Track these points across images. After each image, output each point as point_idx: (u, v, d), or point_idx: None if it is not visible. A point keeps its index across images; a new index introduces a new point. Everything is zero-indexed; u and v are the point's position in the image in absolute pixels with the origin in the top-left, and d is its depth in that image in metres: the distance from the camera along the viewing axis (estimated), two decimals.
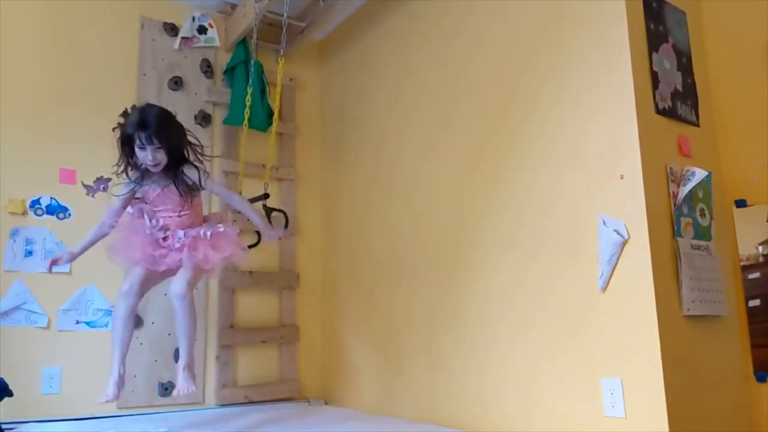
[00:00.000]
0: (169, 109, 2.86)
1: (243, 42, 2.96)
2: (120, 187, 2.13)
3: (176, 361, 2.67)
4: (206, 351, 2.79)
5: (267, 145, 2.79)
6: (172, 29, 2.96)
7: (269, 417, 2.48)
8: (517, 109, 2.15)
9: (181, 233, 2.09)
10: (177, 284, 2.05)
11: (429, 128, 2.55)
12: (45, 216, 2.57)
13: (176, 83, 2.92)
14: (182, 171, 2.11)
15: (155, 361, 2.66)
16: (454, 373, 2.30)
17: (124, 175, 2.10)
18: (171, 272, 2.11)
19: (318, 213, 3.23)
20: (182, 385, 2.05)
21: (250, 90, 2.69)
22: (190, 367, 2.09)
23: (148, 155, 2.00)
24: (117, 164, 2.08)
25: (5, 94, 2.56)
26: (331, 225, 3.18)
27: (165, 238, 2.09)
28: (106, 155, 2.69)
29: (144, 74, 2.86)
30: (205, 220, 2.24)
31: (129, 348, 2.08)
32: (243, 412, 2.58)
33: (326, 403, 2.98)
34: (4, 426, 2.17)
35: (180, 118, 2.86)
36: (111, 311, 2.61)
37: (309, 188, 3.23)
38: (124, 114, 2.23)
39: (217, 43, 3.04)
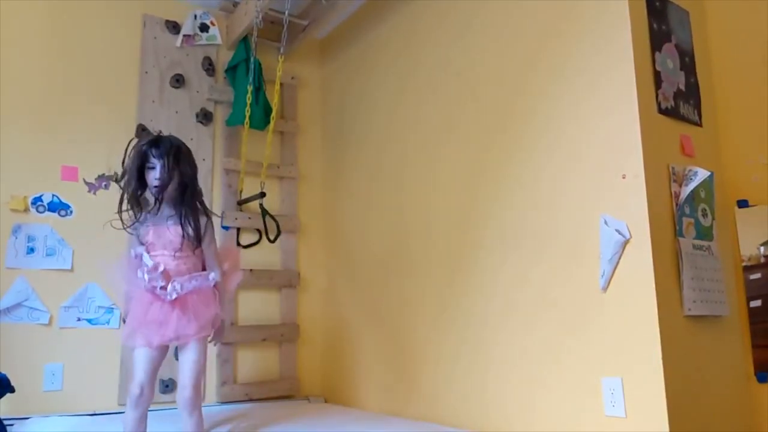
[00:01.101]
0: (171, 106, 2.91)
1: (245, 40, 2.96)
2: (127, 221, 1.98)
3: (176, 359, 2.69)
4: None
5: (270, 143, 2.80)
6: (174, 27, 2.96)
7: (269, 414, 2.48)
8: (519, 109, 2.15)
9: (177, 284, 1.91)
10: (184, 389, 1.92)
11: (431, 127, 2.55)
12: (47, 213, 2.57)
13: (178, 81, 2.92)
14: (190, 208, 1.96)
15: None
16: (455, 371, 2.30)
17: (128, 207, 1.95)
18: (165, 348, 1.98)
19: (319, 211, 3.23)
20: None
21: (250, 88, 2.69)
22: None
23: (156, 173, 1.90)
24: (121, 197, 1.94)
25: (7, 91, 2.56)
26: (332, 223, 3.18)
27: (164, 288, 1.91)
28: (108, 153, 2.72)
29: (146, 72, 2.86)
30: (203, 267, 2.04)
31: None
32: (243, 410, 2.58)
33: (326, 402, 2.98)
34: (6, 422, 2.17)
35: (181, 116, 2.91)
36: (112, 309, 2.62)
37: (310, 186, 3.23)
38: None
39: (219, 40, 3.04)
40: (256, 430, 2.19)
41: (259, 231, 2.74)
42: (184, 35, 2.97)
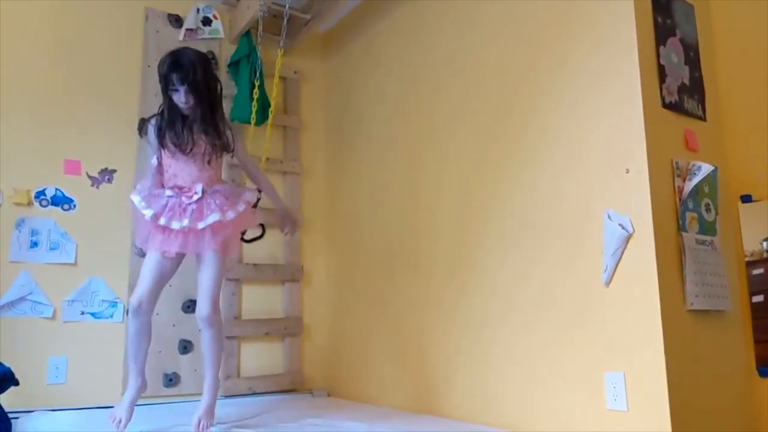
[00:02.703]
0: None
1: (247, 35, 2.95)
2: (151, 129, 2.03)
3: (180, 353, 2.70)
4: None
5: (272, 137, 2.79)
6: (176, 21, 2.96)
7: (272, 408, 2.50)
8: (523, 104, 2.14)
9: (199, 186, 1.97)
10: (201, 305, 1.98)
11: (435, 122, 2.55)
12: (50, 207, 2.57)
13: None
14: (217, 123, 2.02)
15: (159, 352, 2.66)
16: (458, 365, 2.31)
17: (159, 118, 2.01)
18: (180, 258, 2.01)
19: (323, 206, 3.23)
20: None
21: (257, 83, 2.68)
22: (209, 412, 1.97)
23: (181, 96, 1.94)
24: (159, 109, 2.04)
25: (10, 85, 2.56)
26: (335, 218, 3.18)
27: (183, 190, 1.96)
28: (111, 146, 2.72)
29: (148, 66, 2.86)
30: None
31: (146, 360, 2.04)
32: (246, 403, 2.59)
33: (329, 395, 2.99)
34: (10, 415, 2.18)
35: None
36: (116, 303, 2.63)
37: (314, 181, 3.23)
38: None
39: (222, 34, 3.04)
40: (259, 423, 2.20)
41: (262, 225, 2.73)
42: (187, 29, 2.96)
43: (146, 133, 2.07)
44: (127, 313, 1.96)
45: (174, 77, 1.92)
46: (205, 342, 2.02)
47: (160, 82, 1.97)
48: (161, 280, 1.99)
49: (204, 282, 1.99)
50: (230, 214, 1.99)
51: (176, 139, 1.97)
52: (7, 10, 2.60)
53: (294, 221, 2.34)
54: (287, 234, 2.36)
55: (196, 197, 1.96)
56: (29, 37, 2.64)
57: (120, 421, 1.93)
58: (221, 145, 2.03)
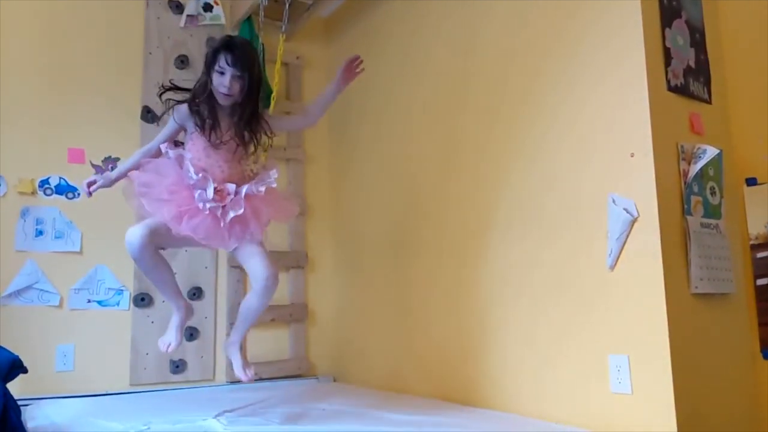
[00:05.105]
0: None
1: (248, 20, 2.94)
2: (178, 110, 1.87)
3: (187, 339, 2.71)
4: (216, 328, 2.82)
5: None
6: (177, 7, 2.94)
7: (278, 394, 2.52)
8: (529, 90, 2.13)
9: (231, 186, 1.80)
10: (263, 265, 1.79)
11: (441, 108, 2.54)
12: (54, 196, 2.58)
13: (182, 62, 2.90)
14: (254, 116, 1.87)
15: None
16: (464, 350, 2.32)
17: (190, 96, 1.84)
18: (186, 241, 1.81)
19: (327, 192, 3.23)
20: (242, 373, 1.91)
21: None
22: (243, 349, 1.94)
23: (225, 80, 1.78)
24: (194, 86, 1.86)
25: (12, 74, 2.55)
26: (340, 204, 3.18)
27: (217, 191, 1.77)
28: (114, 134, 2.72)
29: (150, 53, 2.85)
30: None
31: (175, 282, 1.89)
32: (252, 389, 2.61)
33: (335, 381, 3.01)
34: (20, 402, 2.21)
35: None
36: (122, 291, 2.65)
37: (317, 168, 3.22)
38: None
39: (223, 20, 3.01)
40: (265, 408, 2.22)
41: None
42: (188, 15, 2.94)
43: (175, 116, 1.89)
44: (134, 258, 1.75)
45: (224, 57, 1.78)
46: (264, 294, 1.82)
47: (205, 60, 1.83)
48: (160, 235, 1.76)
49: (255, 257, 1.82)
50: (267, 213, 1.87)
51: (209, 129, 1.81)
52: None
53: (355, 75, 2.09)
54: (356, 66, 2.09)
55: (228, 199, 1.80)
56: (30, 25, 2.63)
57: (170, 345, 1.93)
58: (255, 144, 1.91)
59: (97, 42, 2.75)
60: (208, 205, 1.75)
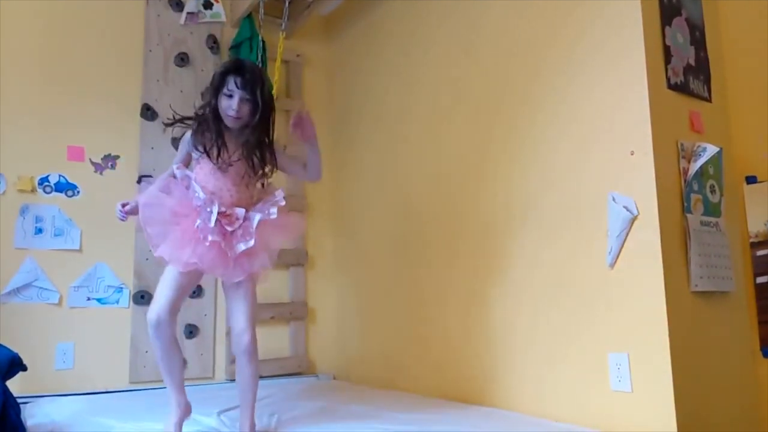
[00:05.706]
0: (176, 86, 2.89)
1: (248, 18, 2.93)
2: (187, 135, 1.83)
3: (186, 337, 2.71)
4: (215, 326, 2.82)
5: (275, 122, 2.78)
6: (177, 4, 2.93)
7: (278, 391, 2.51)
8: (529, 87, 2.13)
9: (241, 211, 1.75)
10: (239, 332, 1.77)
11: (440, 104, 2.54)
12: (54, 193, 2.58)
13: (182, 59, 2.90)
14: (261, 140, 1.81)
15: None
16: (464, 349, 2.32)
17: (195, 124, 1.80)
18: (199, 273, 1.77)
19: (327, 190, 3.23)
20: None
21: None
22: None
23: (234, 102, 1.74)
24: (197, 110, 1.81)
25: (11, 72, 2.55)
26: (340, 202, 3.18)
27: (225, 215, 1.73)
28: (114, 132, 2.72)
29: (150, 50, 2.84)
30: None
31: (183, 375, 1.82)
32: None
33: (335, 378, 3.02)
34: (19, 400, 2.21)
35: (186, 95, 2.88)
36: (121, 288, 2.64)
37: None
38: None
39: (223, 18, 3.01)
40: (265, 406, 2.21)
41: None
42: (188, 13, 2.93)
43: (184, 141, 1.87)
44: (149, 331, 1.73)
45: (232, 80, 1.74)
46: (244, 378, 1.80)
47: (212, 83, 1.79)
48: (181, 292, 1.75)
49: (240, 305, 1.80)
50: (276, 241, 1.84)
51: (216, 151, 1.76)
52: None
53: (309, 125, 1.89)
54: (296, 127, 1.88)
55: (237, 224, 1.75)
56: (31, 22, 2.62)
57: None
58: (263, 172, 1.84)
59: (97, 39, 2.74)
60: (210, 237, 1.70)
